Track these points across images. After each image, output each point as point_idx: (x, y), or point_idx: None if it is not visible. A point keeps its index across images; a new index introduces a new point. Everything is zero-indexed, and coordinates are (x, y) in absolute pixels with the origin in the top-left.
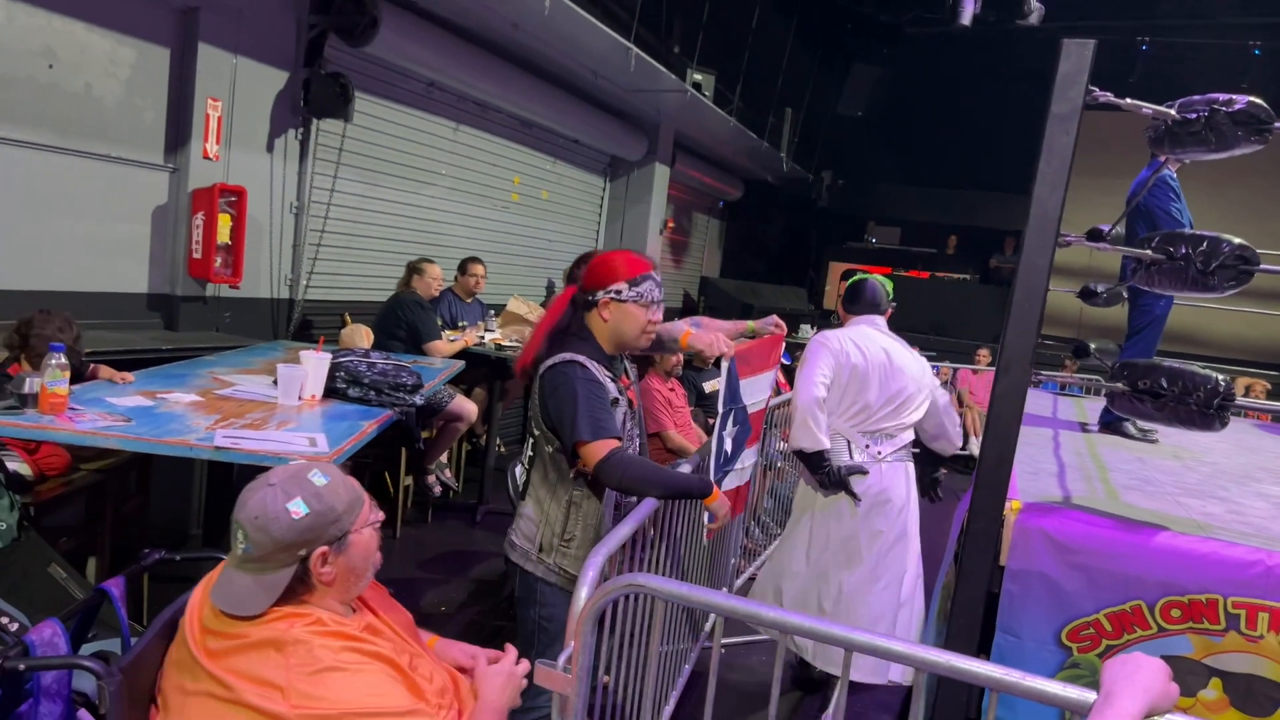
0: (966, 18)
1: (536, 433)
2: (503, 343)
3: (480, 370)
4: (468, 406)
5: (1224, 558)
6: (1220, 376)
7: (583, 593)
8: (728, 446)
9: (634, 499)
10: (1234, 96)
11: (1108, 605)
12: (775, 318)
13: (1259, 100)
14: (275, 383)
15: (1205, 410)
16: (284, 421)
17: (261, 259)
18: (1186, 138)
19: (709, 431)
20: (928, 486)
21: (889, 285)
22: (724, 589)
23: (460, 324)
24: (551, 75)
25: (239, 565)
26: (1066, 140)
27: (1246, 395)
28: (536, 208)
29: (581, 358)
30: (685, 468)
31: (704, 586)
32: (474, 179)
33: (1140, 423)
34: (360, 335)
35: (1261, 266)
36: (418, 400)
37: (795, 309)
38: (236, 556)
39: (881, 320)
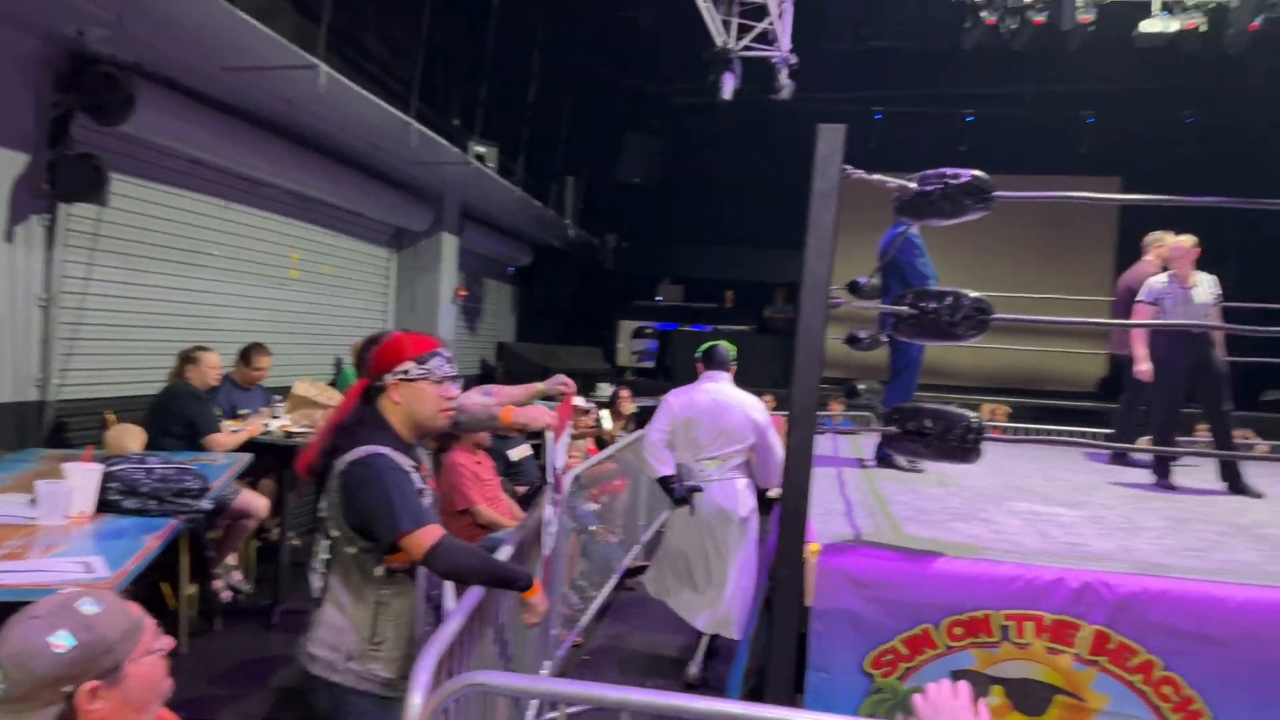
0: (727, 92)
1: (335, 534)
2: (292, 429)
3: (266, 460)
4: (256, 501)
5: (991, 576)
6: (972, 414)
7: (416, 699)
8: (549, 514)
9: (438, 591)
10: (960, 171)
11: (901, 631)
12: (562, 376)
13: (981, 174)
14: (34, 501)
15: (963, 444)
16: (50, 546)
17: (4, 360)
18: (926, 206)
19: (519, 500)
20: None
21: (733, 350)
22: (547, 661)
23: (241, 413)
24: (328, 149)
25: None
26: (829, 215)
27: (991, 418)
28: (319, 284)
29: (385, 450)
30: (508, 548)
31: (533, 674)
32: (248, 258)
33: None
34: (129, 436)
35: (995, 316)
36: (205, 505)
37: (592, 368)
38: None
39: (724, 375)
